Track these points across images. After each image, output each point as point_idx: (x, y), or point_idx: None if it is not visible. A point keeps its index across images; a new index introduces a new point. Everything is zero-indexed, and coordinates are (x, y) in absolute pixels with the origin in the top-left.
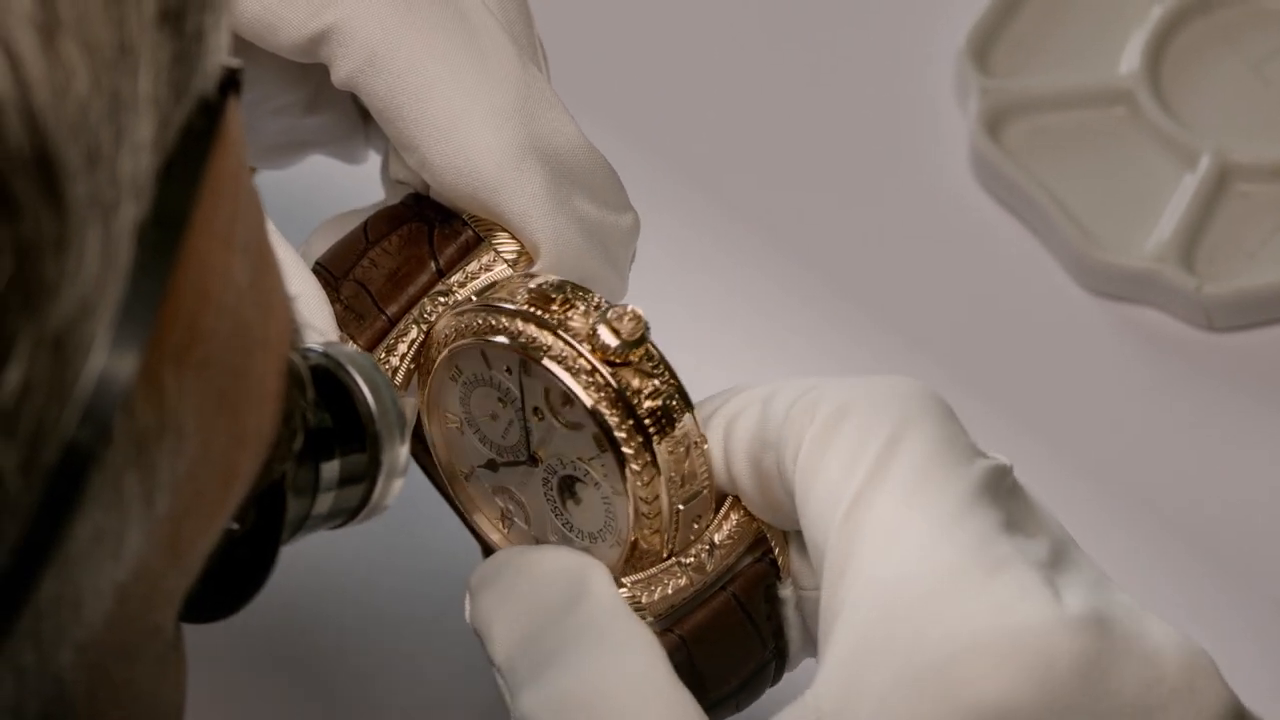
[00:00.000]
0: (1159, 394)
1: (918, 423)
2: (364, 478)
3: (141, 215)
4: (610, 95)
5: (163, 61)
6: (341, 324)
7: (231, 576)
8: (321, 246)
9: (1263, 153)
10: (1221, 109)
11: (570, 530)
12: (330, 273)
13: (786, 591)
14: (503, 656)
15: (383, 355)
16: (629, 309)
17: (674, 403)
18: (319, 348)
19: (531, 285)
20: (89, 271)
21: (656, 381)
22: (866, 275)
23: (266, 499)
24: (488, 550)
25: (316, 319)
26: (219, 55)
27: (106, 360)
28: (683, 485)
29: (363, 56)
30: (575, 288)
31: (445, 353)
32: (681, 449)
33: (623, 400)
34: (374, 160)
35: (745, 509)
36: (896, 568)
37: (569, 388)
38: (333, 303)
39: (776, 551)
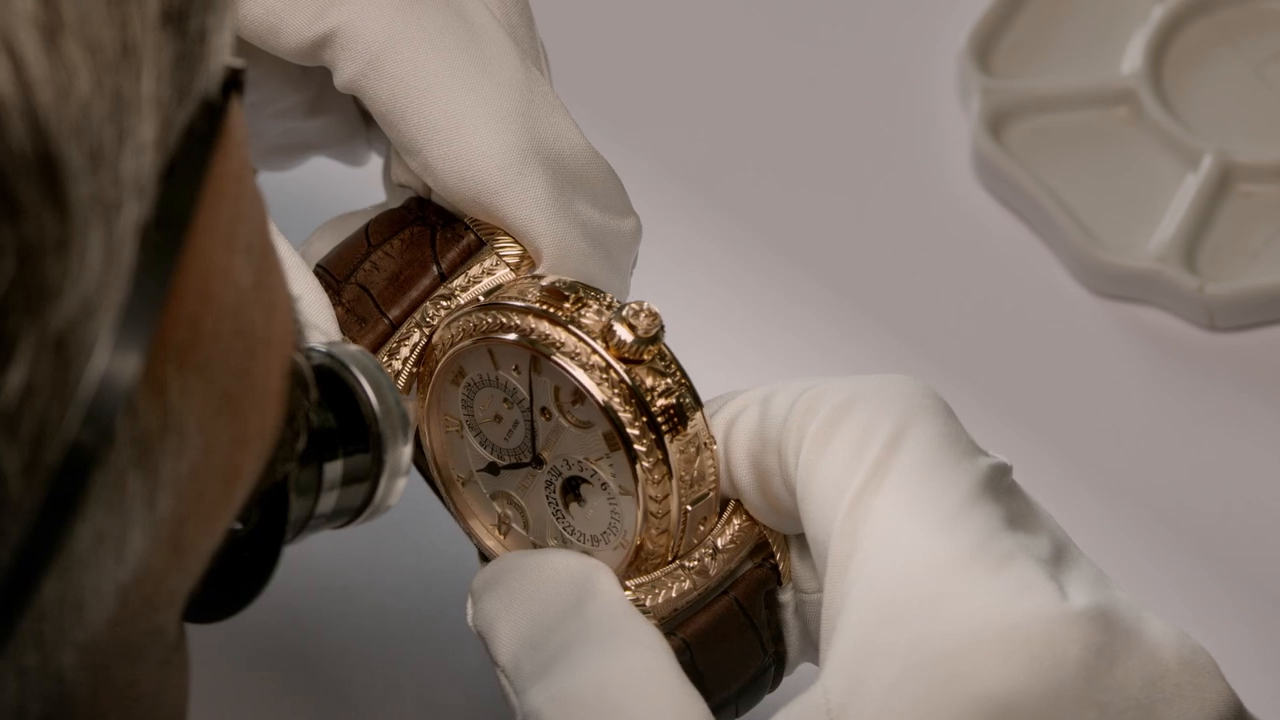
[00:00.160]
0: (1161, 394)
1: (920, 420)
2: (367, 478)
3: (144, 216)
4: (611, 96)
5: (165, 62)
6: (343, 327)
7: (234, 577)
8: (322, 247)
9: (1264, 153)
10: (1223, 109)
11: (572, 534)
12: (332, 276)
13: (786, 596)
14: (507, 657)
15: (385, 359)
16: (645, 305)
17: (686, 401)
18: (322, 348)
19: (544, 284)
20: (91, 272)
21: (669, 380)
22: (868, 276)
23: (269, 499)
24: (485, 558)
25: (319, 319)
26: (222, 56)
27: (109, 361)
28: (691, 486)
29: (365, 60)
30: (587, 287)
31: (449, 355)
32: (692, 449)
33: (636, 397)
34: (375, 161)
35: (747, 513)
36: (902, 560)
37: (582, 384)
38: (334, 306)
39: (778, 557)
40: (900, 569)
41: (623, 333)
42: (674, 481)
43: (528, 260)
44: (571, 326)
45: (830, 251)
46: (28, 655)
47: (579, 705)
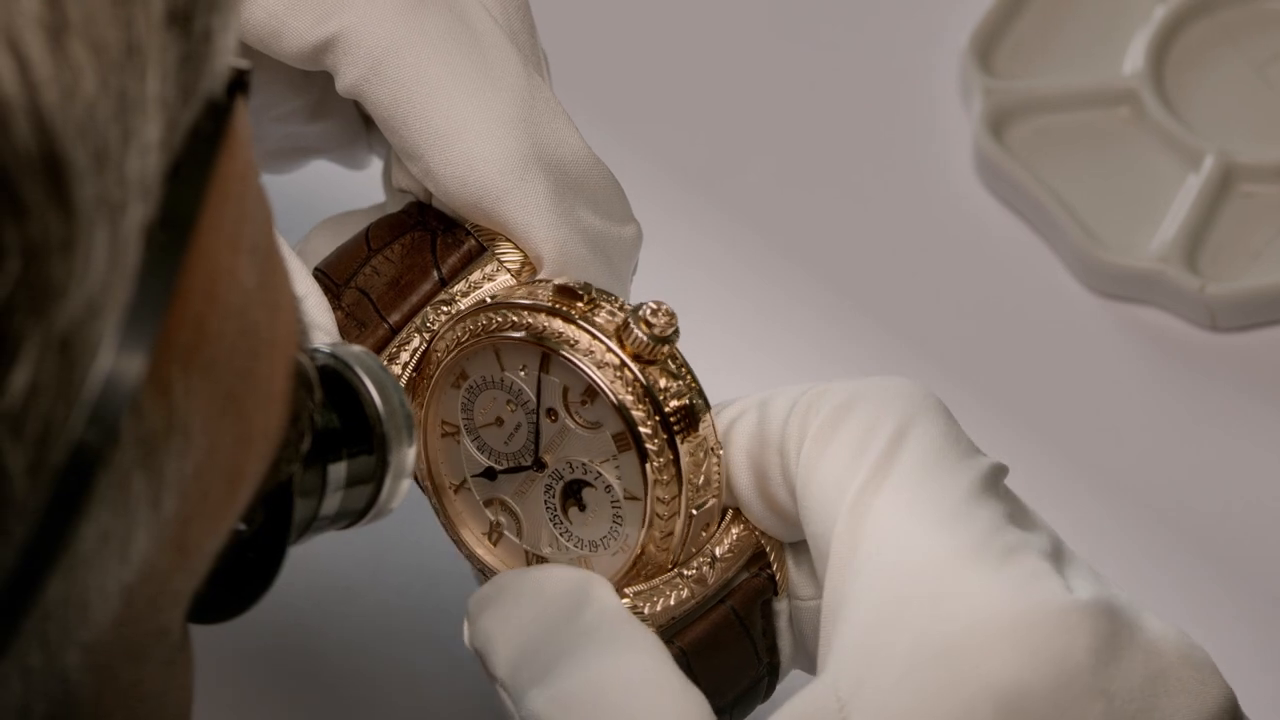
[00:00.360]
0: (1162, 394)
1: (922, 419)
2: (371, 479)
3: (149, 216)
4: (612, 96)
5: (170, 62)
6: (342, 331)
7: (239, 577)
8: (320, 245)
9: (1266, 153)
10: (1225, 110)
11: (569, 539)
12: (331, 280)
13: (780, 605)
14: (505, 670)
15: (385, 364)
16: (663, 305)
17: (698, 403)
18: (326, 348)
19: (556, 283)
20: (96, 272)
21: (680, 382)
22: (870, 276)
23: (274, 500)
24: (477, 568)
25: (323, 320)
26: (227, 56)
27: (114, 361)
28: (698, 490)
29: (367, 65)
30: (599, 289)
31: (451, 356)
32: (700, 452)
33: (650, 396)
34: (375, 162)
35: (745, 522)
36: (908, 554)
37: (596, 381)
38: (334, 310)
39: (775, 567)
40: (906, 562)
41: (639, 331)
42: (682, 484)
43: (529, 266)
44: (585, 325)
45: (831, 251)
46: (32, 655)
47: (579, 705)
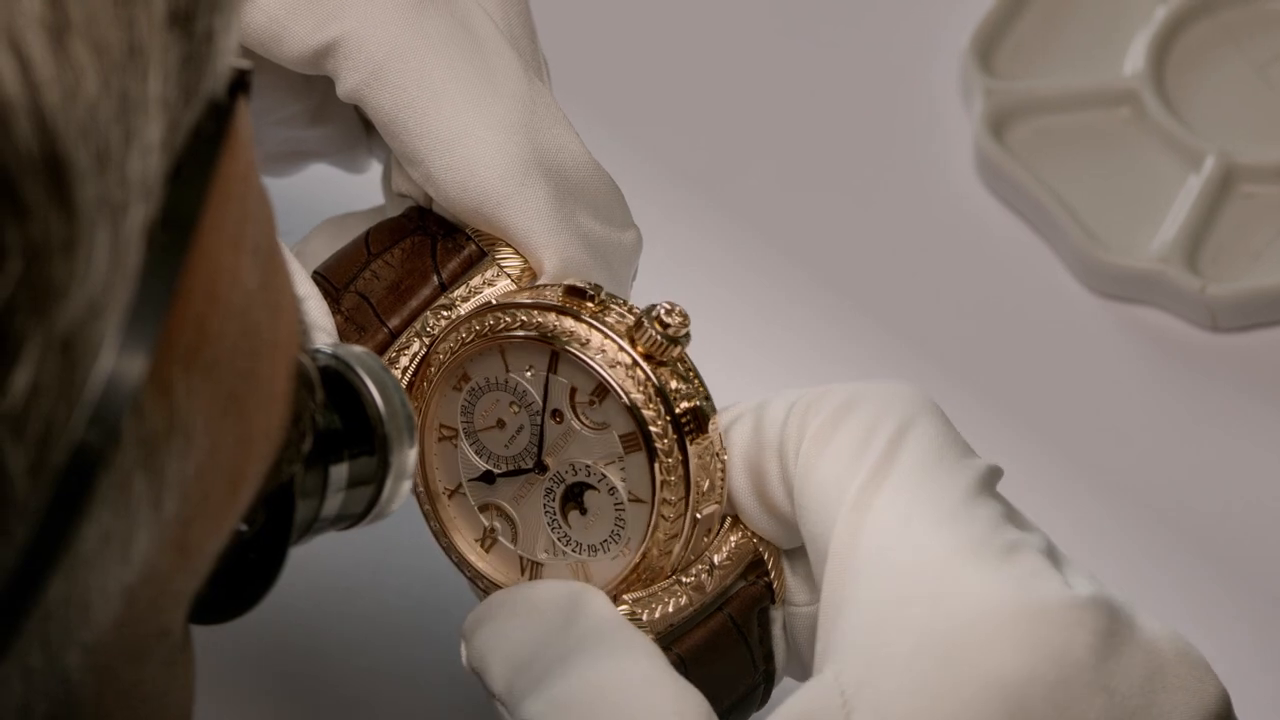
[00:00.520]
0: (1163, 394)
1: (921, 420)
2: (372, 480)
3: (151, 217)
4: (613, 97)
5: (172, 63)
6: (342, 336)
7: (240, 578)
8: (319, 247)
9: (1267, 154)
10: (1226, 110)
11: (568, 544)
12: (331, 283)
13: (775, 613)
14: (502, 684)
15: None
16: (677, 305)
17: (706, 405)
18: (328, 349)
19: (566, 283)
20: (98, 273)
21: (689, 385)
22: (870, 276)
23: (275, 501)
24: (468, 575)
25: (324, 321)
26: (228, 57)
27: (115, 362)
28: (703, 495)
29: (368, 70)
30: (609, 293)
31: (454, 358)
32: (707, 456)
33: (662, 396)
34: (374, 165)
35: (742, 529)
36: (909, 550)
37: (607, 379)
38: (333, 314)
39: (772, 574)
40: (909, 558)
41: (654, 330)
42: (690, 486)
43: (529, 271)
44: (595, 324)
45: (832, 252)
46: (33, 656)
47: (576, 708)
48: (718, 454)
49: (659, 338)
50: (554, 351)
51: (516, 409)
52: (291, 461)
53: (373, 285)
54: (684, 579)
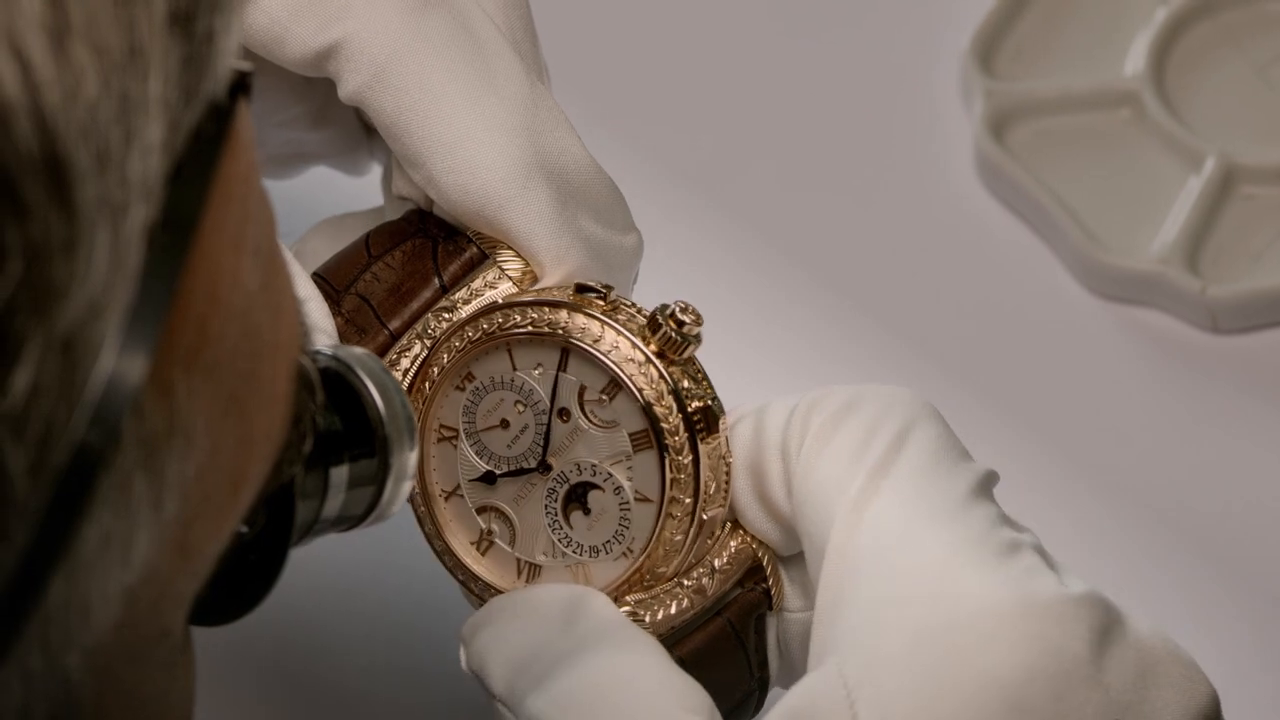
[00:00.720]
0: (1163, 395)
1: (921, 424)
2: (373, 481)
3: (151, 218)
4: (613, 97)
5: (173, 64)
6: (343, 338)
7: (240, 580)
8: (318, 247)
9: (1267, 155)
10: (1226, 111)
11: (568, 545)
12: (331, 285)
13: (770, 621)
14: (502, 685)
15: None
16: (690, 305)
17: (715, 405)
18: (328, 350)
19: (577, 281)
20: (98, 274)
21: (699, 386)
22: (870, 277)
23: (275, 502)
24: (462, 579)
25: (324, 323)
26: (229, 58)
27: (116, 362)
28: (709, 496)
29: (370, 72)
30: (619, 295)
31: (458, 358)
32: (716, 456)
33: (675, 394)
34: (375, 167)
35: (743, 535)
36: (909, 548)
37: (621, 375)
38: (333, 316)
39: (770, 581)
40: (908, 558)
41: (668, 327)
42: (699, 486)
43: (530, 273)
44: (611, 323)
45: (832, 252)
46: (33, 658)
47: (580, 704)
48: (724, 456)
49: (674, 335)
50: (564, 348)
51: (522, 408)
52: (292, 463)
53: (373, 287)
54: (685, 582)
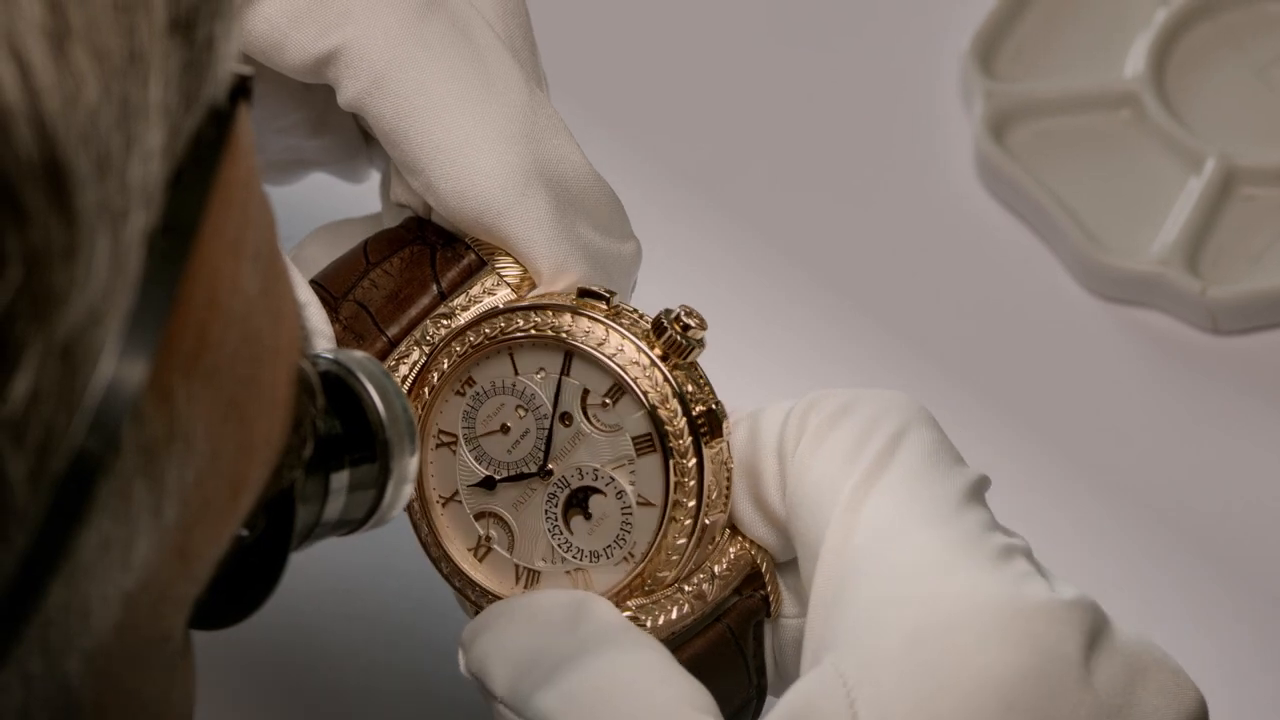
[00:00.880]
0: (1163, 396)
1: (916, 427)
2: (373, 485)
3: (151, 223)
4: (614, 99)
5: (173, 69)
6: (340, 344)
7: (240, 584)
8: (315, 253)
9: (1267, 156)
10: (1226, 113)
11: (568, 550)
12: (329, 292)
13: (767, 628)
14: (505, 686)
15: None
16: (694, 309)
17: (719, 409)
18: (329, 354)
19: (580, 286)
20: (98, 279)
21: (701, 390)
22: (870, 277)
23: (276, 506)
24: (458, 585)
25: (325, 327)
26: (229, 63)
27: (115, 368)
28: (712, 500)
29: (369, 79)
30: (621, 300)
31: (459, 363)
32: (719, 461)
33: (680, 398)
34: (373, 174)
35: (741, 541)
36: (905, 548)
37: (626, 379)
38: (331, 323)
39: (769, 588)
40: (904, 558)
41: (673, 331)
42: (702, 490)
43: (528, 280)
44: (612, 324)
45: (833, 253)
46: (33, 662)
47: (588, 701)
48: (725, 462)
49: (679, 339)
50: (568, 352)
51: (523, 413)
52: (292, 467)
53: (371, 294)
54: (686, 587)
